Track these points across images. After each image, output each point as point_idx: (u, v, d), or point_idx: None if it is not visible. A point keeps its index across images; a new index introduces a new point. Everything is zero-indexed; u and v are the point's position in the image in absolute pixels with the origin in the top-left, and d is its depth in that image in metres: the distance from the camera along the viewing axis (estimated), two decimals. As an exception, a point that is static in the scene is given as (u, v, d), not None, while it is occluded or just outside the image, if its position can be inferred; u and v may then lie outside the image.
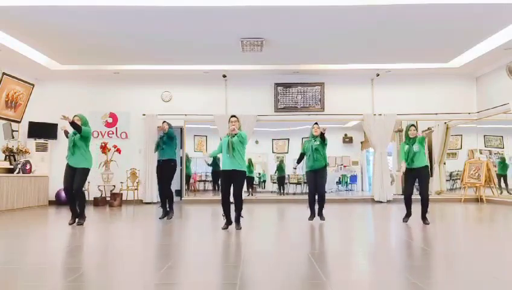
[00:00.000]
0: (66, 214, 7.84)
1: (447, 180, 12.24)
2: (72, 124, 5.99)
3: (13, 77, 9.62)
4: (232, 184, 5.60)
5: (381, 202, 10.75)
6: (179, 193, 12.10)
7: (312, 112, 11.14)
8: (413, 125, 6.40)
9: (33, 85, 10.28)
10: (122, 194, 10.33)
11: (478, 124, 10.99)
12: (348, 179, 14.19)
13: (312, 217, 6.42)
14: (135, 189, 10.62)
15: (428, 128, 12.50)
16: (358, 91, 11.21)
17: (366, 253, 4.12)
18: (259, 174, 13.99)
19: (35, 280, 3.10)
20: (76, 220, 6.19)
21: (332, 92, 11.17)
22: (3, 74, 9.30)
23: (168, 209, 7.01)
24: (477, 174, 10.36)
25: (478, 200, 10.49)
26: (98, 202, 10.12)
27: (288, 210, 8.92)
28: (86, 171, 6.16)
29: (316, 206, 6.46)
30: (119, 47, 8.94)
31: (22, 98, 10.03)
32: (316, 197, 6.44)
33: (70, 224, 6.14)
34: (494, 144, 10.91)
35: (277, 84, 11.17)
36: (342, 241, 4.96)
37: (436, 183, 11.84)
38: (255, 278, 3.10)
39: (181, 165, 11.90)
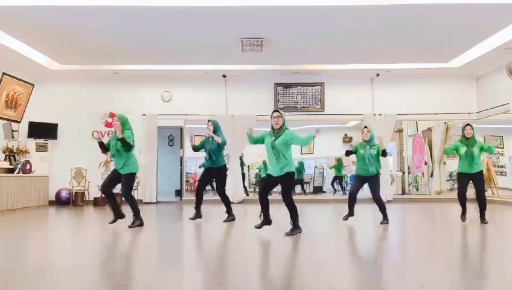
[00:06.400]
0: (66, 214, 7.84)
1: (447, 180, 12.22)
2: (122, 140, 5.58)
3: (13, 77, 9.60)
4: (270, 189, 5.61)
5: (381, 202, 10.72)
6: (178, 192, 12.09)
7: (312, 112, 11.12)
8: (469, 124, 6.05)
9: (33, 85, 10.27)
10: (122, 194, 10.33)
11: (478, 124, 10.97)
12: (348, 179, 14.18)
13: (349, 215, 6.41)
14: (135, 189, 10.61)
15: (429, 128, 12.50)
16: (358, 91, 11.18)
17: (368, 253, 4.12)
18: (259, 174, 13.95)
19: (35, 280, 3.10)
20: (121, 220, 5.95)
21: (332, 92, 11.15)
22: (3, 74, 9.29)
23: (227, 213, 6.54)
24: (477, 174, 10.33)
25: (478, 200, 10.46)
26: (98, 202, 10.12)
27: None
28: (130, 177, 5.86)
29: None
30: (119, 47, 8.93)
31: (22, 98, 10.02)
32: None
33: (110, 223, 5.89)
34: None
35: (277, 84, 11.16)
36: (342, 241, 4.95)
37: (436, 183, 11.82)
38: (256, 278, 3.10)
39: (181, 165, 11.89)
